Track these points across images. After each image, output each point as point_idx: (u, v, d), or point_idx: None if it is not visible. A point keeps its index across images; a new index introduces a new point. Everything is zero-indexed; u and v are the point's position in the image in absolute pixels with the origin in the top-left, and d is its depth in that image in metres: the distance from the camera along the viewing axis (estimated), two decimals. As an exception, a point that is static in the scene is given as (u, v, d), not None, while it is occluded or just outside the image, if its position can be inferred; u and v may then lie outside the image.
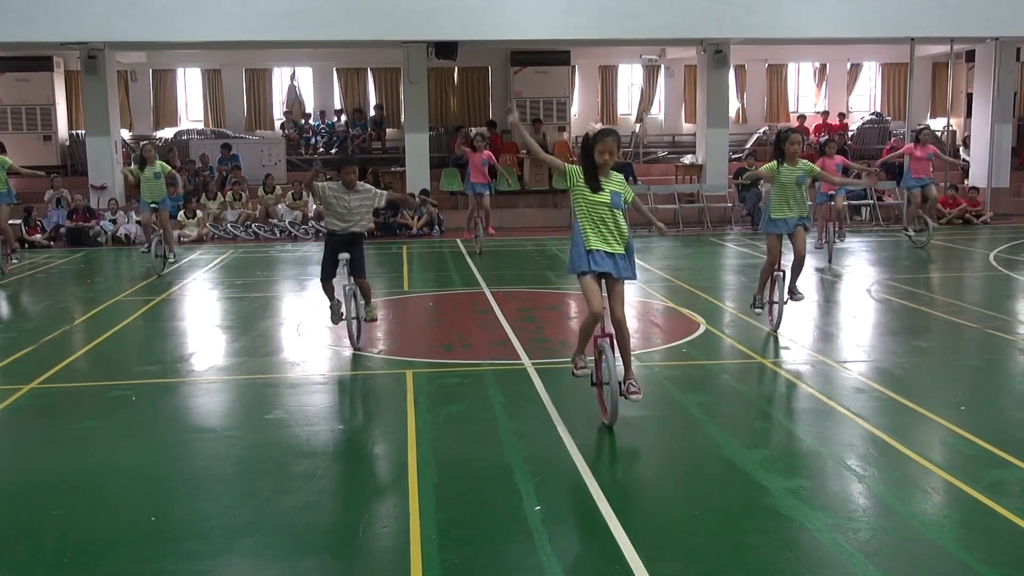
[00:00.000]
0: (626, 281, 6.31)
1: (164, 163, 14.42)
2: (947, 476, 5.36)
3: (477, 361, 8.22)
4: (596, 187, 6.26)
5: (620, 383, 6.16)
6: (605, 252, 6.19)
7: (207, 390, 7.61)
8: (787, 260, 9.05)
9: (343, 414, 6.88)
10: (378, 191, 8.49)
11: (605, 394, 6.24)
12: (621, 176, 6.47)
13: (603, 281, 6.23)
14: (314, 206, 6.75)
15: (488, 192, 15.85)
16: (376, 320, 8.94)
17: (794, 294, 9.18)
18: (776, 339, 8.87)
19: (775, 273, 8.97)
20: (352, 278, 8.39)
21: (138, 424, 6.67)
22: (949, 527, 4.71)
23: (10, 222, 17.03)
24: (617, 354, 6.25)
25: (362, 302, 8.59)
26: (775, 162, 8.90)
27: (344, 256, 8.27)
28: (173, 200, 15.71)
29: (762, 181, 14.11)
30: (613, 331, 6.23)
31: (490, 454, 5.84)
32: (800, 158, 8.93)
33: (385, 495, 5.27)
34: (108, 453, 6.05)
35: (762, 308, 9.20)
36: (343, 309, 8.53)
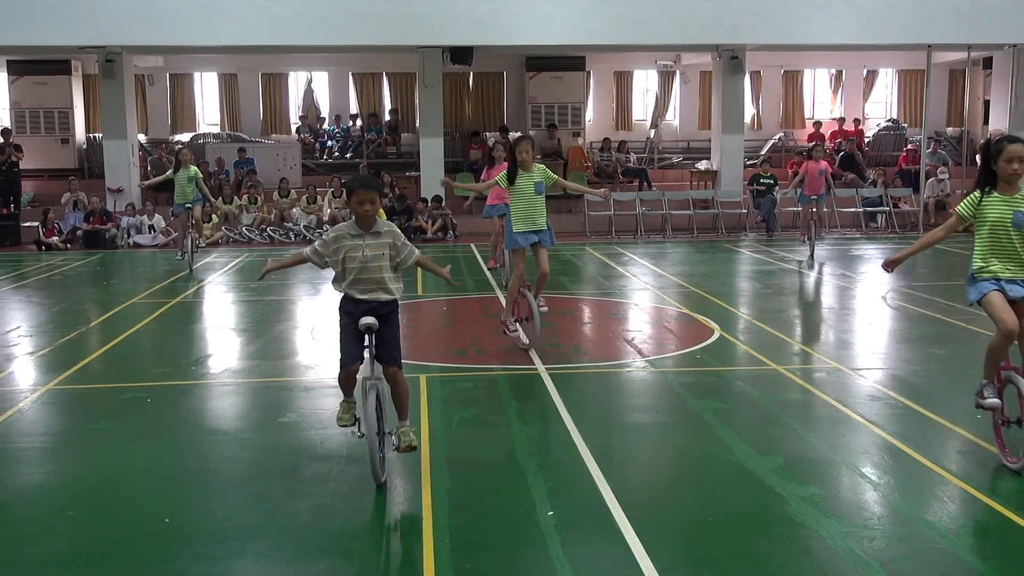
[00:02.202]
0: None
1: (197, 169, 14.84)
2: (963, 484, 5.32)
3: (490, 366, 8.22)
4: (513, 180, 8.40)
5: (539, 316, 8.43)
6: (528, 231, 8.43)
7: (221, 393, 7.64)
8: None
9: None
10: (406, 242, 5.44)
11: (533, 326, 8.53)
12: (543, 166, 8.69)
13: (532, 248, 8.47)
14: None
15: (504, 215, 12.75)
16: (414, 448, 5.45)
17: None
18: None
19: (1007, 373, 5.67)
20: (378, 366, 5.37)
21: (152, 426, 6.69)
22: (965, 536, 4.67)
23: (26, 224, 17.13)
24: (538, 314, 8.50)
25: (391, 416, 5.51)
26: (977, 193, 5.63)
27: (368, 322, 5.21)
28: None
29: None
30: (537, 278, 8.57)
31: (503, 459, 5.84)
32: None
33: (398, 499, 5.27)
34: (123, 454, 6.07)
35: (997, 402, 5.67)
36: (360, 415, 5.42)
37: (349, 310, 5.35)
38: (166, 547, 4.62)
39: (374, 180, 5.44)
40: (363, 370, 5.39)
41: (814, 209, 15.39)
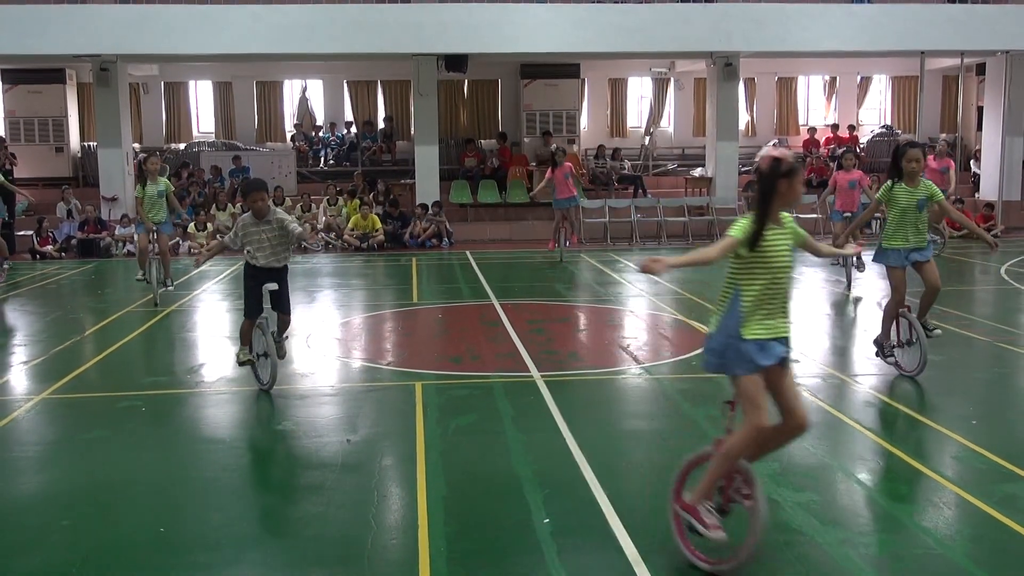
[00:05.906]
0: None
1: (168, 182, 12.68)
2: (958, 490, 5.32)
3: (486, 373, 8.21)
4: (755, 243, 4.36)
5: None
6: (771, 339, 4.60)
7: (216, 401, 7.62)
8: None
9: (352, 426, 6.87)
10: (292, 225, 7.53)
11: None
12: (793, 227, 4.50)
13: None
14: (230, 236, 5.71)
15: (575, 205, 16.77)
16: (284, 356, 7.99)
17: (929, 329, 7.81)
18: (920, 388, 7.58)
19: (901, 311, 7.81)
20: (275, 313, 7.67)
21: (147, 435, 6.68)
22: (960, 542, 4.68)
23: (20, 233, 17.07)
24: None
25: (274, 337, 7.69)
26: (889, 183, 7.61)
27: (270, 287, 7.51)
28: (177, 217, 14.24)
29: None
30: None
31: (499, 466, 5.83)
32: (924, 177, 7.59)
33: (394, 507, 5.26)
34: (117, 463, 6.06)
35: (892, 356, 7.93)
36: (252, 353, 7.70)
37: (252, 275, 7.53)
38: (161, 556, 4.60)
39: (262, 183, 7.61)
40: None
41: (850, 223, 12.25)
